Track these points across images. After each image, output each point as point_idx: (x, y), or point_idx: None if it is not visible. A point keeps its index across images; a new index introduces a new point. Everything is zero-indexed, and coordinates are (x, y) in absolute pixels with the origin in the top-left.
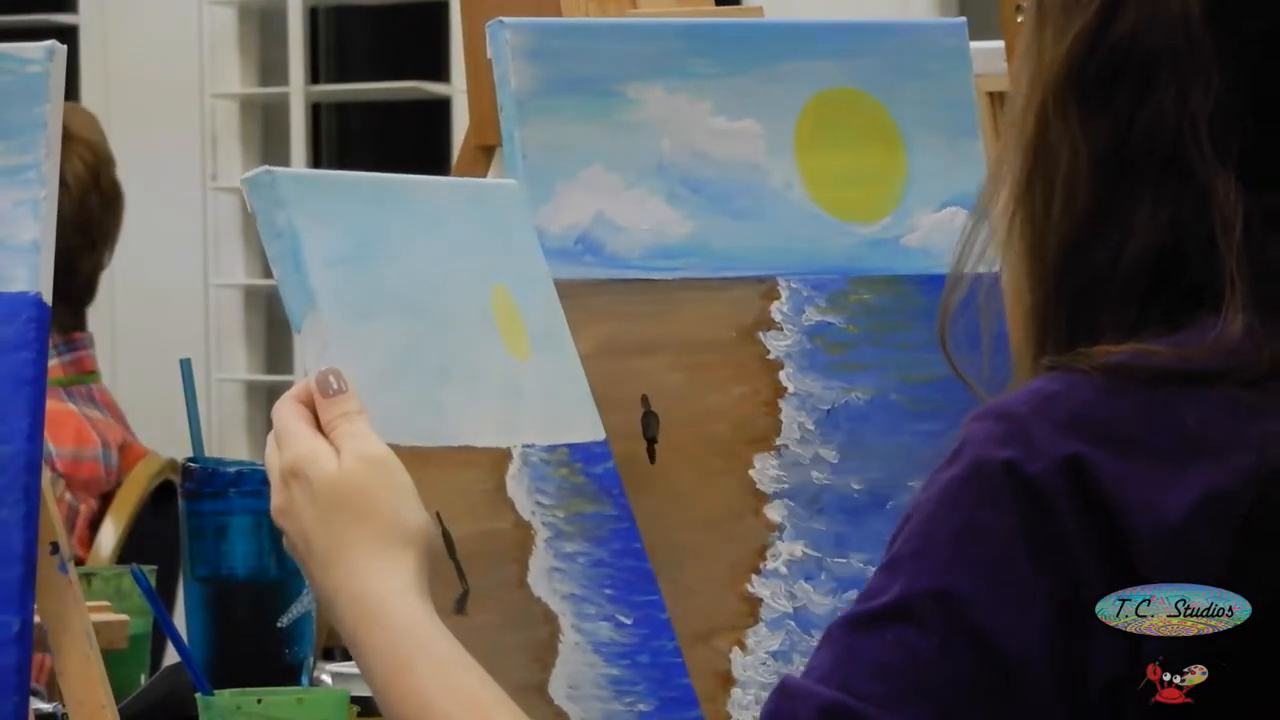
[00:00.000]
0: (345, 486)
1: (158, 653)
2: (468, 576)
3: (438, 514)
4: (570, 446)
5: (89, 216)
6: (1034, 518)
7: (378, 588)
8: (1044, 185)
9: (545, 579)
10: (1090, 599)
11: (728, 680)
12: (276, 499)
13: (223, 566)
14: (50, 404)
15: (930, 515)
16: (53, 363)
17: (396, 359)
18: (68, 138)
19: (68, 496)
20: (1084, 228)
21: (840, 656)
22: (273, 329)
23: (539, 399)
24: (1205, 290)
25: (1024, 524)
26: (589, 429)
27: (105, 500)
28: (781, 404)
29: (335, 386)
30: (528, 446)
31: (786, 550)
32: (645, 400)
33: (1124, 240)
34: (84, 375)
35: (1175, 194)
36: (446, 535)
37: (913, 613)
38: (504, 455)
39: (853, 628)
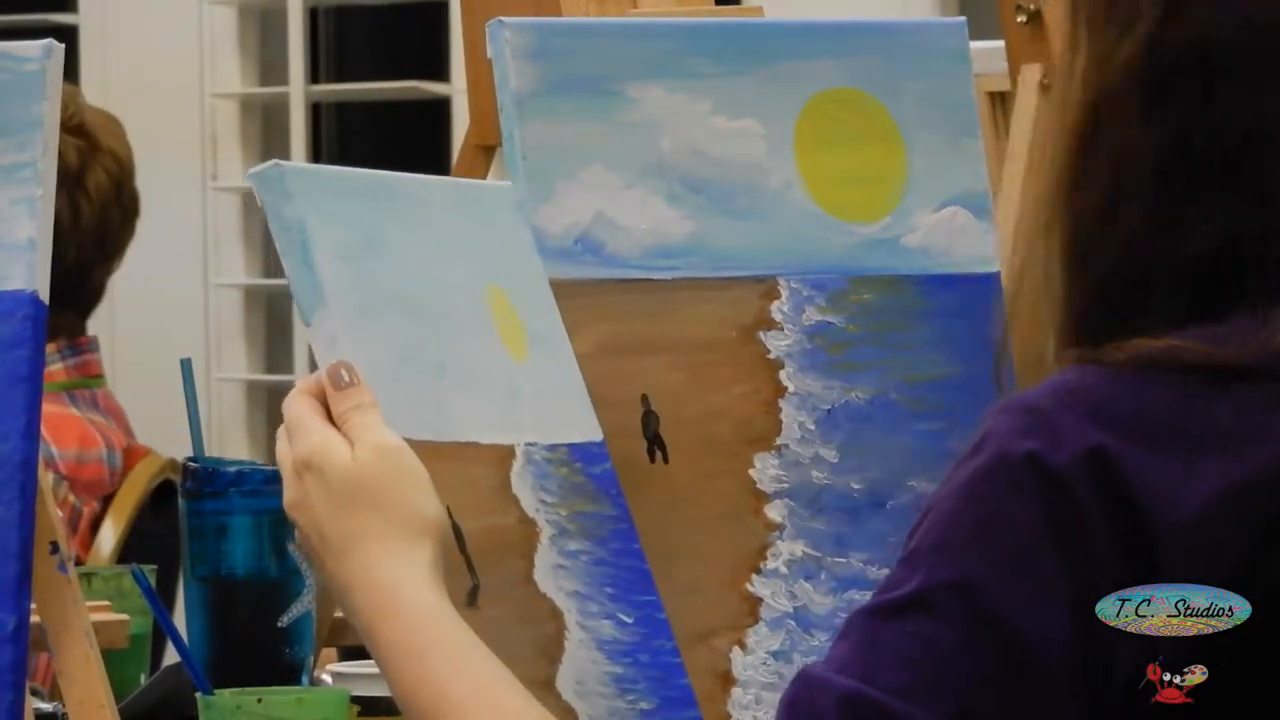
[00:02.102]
0: (359, 477)
1: (158, 653)
2: (477, 570)
3: (447, 507)
4: (570, 446)
5: (108, 229)
6: (1057, 509)
7: (392, 578)
8: (1093, 186)
9: (551, 575)
10: (1110, 591)
11: (728, 680)
12: (289, 493)
13: (223, 566)
14: (53, 408)
15: (952, 507)
16: (57, 366)
17: (400, 355)
18: (95, 148)
19: (71, 498)
20: (1139, 230)
21: (861, 647)
22: (273, 329)
23: (538, 398)
24: (1255, 294)
25: (1047, 515)
26: (587, 429)
27: (107, 503)
28: (781, 404)
29: (347, 379)
30: (530, 445)
31: (787, 550)
32: (645, 400)
33: (1180, 244)
34: (89, 379)
35: (1238, 200)
36: (456, 529)
37: (934, 603)
38: (508, 452)
39: (874, 618)
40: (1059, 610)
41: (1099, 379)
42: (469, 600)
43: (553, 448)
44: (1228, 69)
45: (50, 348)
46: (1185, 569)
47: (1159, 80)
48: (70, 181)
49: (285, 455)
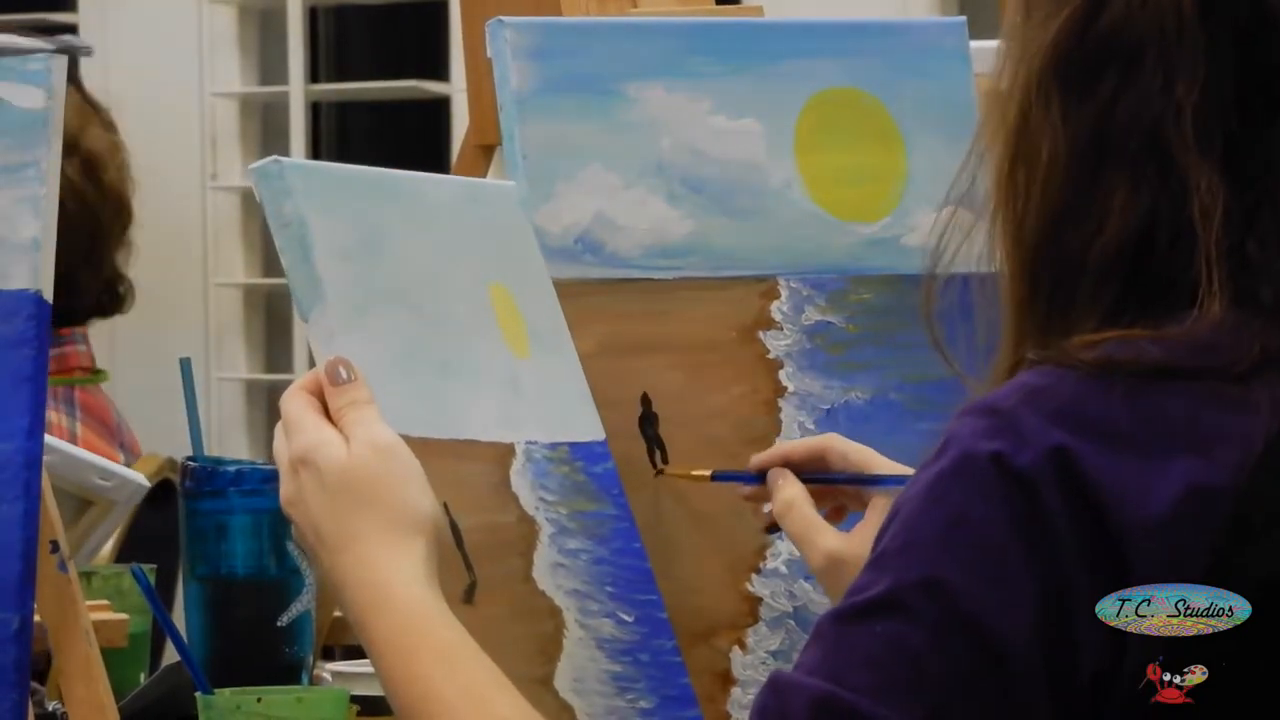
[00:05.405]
0: (354, 473)
1: (157, 652)
2: (475, 568)
3: (445, 504)
4: (571, 445)
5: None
6: (1022, 508)
7: (385, 575)
8: (1025, 175)
9: (550, 574)
10: (1076, 589)
11: (728, 679)
12: (285, 488)
13: (222, 566)
14: None
15: (917, 509)
16: None
17: (400, 352)
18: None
19: None
20: (1061, 216)
21: (830, 650)
22: (273, 329)
23: (540, 397)
24: (1181, 282)
25: (1013, 515)
26: (589, 428)
27: None
28: (781, 404)
29: (344, 376)
30: (530, 443)
31: (786, 549)
32: (645, 399)
33: (1099, 228)
34: (66, 373)
35: (1154, 182)
36: (454, 525)
37: (903, 604)
38: (508, 450)
39: (842, 621)
40: (1027, 608)
41: (1059, 380)
42: (466, 597)
43: (554, 446)
44: (1148, 54)
45: None
46: (1153, 569)
47: (1082, 65)
48: None
49: (282, 451)
